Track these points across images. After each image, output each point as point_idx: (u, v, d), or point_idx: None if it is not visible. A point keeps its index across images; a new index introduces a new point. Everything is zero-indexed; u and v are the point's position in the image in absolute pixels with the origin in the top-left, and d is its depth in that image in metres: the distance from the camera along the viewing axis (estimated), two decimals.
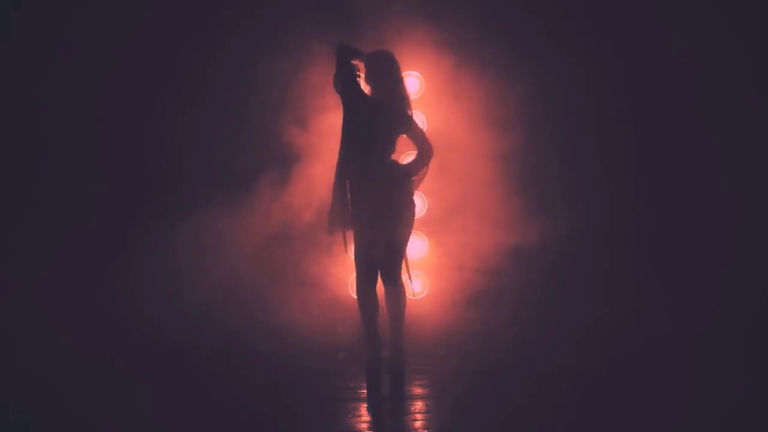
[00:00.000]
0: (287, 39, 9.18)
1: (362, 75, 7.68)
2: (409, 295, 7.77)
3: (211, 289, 9.06)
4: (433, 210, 9.28)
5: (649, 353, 8.53)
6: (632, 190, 9.36)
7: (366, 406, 7.47)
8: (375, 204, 7.61)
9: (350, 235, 7.74)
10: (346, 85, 7.61)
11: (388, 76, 7.65)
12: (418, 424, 7.05)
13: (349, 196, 7.68)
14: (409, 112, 7.70)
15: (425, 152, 7.68)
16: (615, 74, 9.31)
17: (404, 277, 7.69)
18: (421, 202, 9.19)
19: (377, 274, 7.68)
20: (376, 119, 7.60)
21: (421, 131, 7.73)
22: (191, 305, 8.99)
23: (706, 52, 9.26)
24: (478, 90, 9.24)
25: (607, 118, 9.34)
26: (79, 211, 9.24)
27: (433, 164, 8.95)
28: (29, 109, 9.30)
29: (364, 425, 7.01)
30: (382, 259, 7.61)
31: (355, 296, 7.83)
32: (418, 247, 9.24)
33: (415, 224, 9.10)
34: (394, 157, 7.75)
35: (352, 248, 7.72)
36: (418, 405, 7.46)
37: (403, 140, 7.76)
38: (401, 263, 7.66)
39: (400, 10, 9.14)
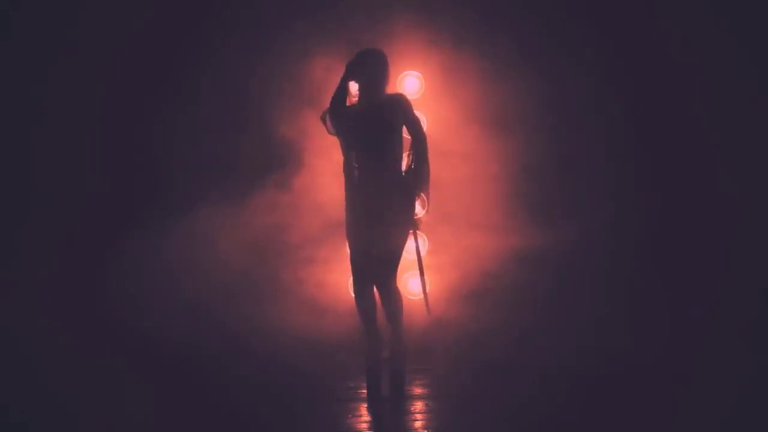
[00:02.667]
0: (285, 38, 9.17)
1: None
2: (426, 313, 7.83)
3: (210, 290, 9.06)
4: (433, 209, 9.26)
5: (650, 354, 8.52)
6: (632, 191, 9.35)
7: (366, 406, 7.46)
8: (373, 208, 7.60)
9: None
10: (332, 107, 7.60)
11: (368, 73, 7.63)
12: (418, 424, 7.04)
13: (348, 197, 7.68)
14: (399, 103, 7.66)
15: (419, 147, 7.64)
16: (617, 75, 9.29)
17: (420, 295, 7.76)
18: (420, 202, 9.18)
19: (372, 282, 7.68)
20: (367, 127, 7.59)
21: (416, 124, 7.69)
22: (190, 305, 8.99)
23: (707, 52, 9.25)
24: (479, 90, 9.23)
25: (609, 119, 9.33)
26: (77, 211, 9.24)
27: (433, 164, 8.97)
28: (29, 109, 9.29)
29: (364, 425, 7.00)
30: (374, 263, 7.61)
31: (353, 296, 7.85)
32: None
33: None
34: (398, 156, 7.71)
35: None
36: (418, 405, 7.46)
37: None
38: (395, 271, 7.64)
39: (400, 9, 9.13)
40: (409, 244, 7.55)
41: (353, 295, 7.75)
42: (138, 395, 7.60)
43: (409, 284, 9.14)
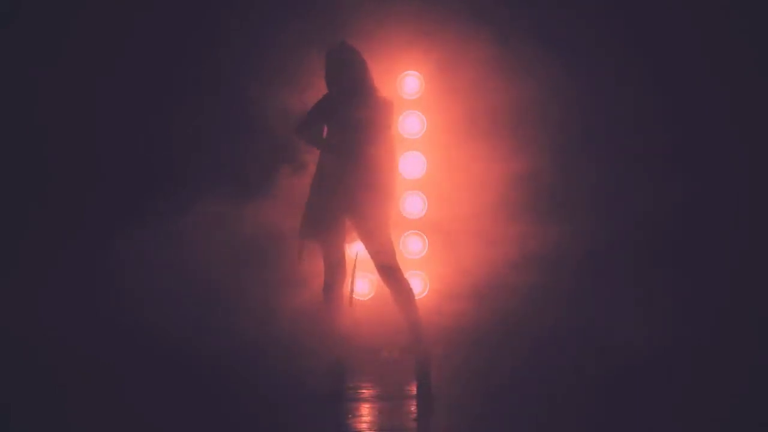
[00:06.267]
0: (284, 39, 9.17)
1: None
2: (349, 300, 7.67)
3: (209, 290, 9.07)
4: (433, 209, 9.27)
5: (654, 355, 8.51)
6: (632, 192, 9.34)
7: (367, 406, 7.47)
8: (348, 204, 7.52)
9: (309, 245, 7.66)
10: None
11: (333, 69, 7.57)
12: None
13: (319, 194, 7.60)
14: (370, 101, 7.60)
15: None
16: (624, 74, 9.28)
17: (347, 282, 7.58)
18: (421, 202, 9.19)
19: (344, 278, 7.58)
20: (340, 114, 7.52)
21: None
22: (189, 306, 9.00)
23: (716, 52, 9.24)
24: (480, 90, 9.23)
25: (614, 117, 9.32)
26: (77, 211, 9.25)
27: (435, 163, 8.97)
28: (29, 108, 9.30)
29: (364, 425, 7.00)
30: (376, 262, 7.56)
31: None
32: (418, 247, 9.24)
33: (416, 224, 9.12)
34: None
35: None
36: None
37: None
38: (396, 258, 7.53)
39: (401, 7, 9.13)
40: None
41: (324, 297, 7.64)
42: (138, 396, 7.61)
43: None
